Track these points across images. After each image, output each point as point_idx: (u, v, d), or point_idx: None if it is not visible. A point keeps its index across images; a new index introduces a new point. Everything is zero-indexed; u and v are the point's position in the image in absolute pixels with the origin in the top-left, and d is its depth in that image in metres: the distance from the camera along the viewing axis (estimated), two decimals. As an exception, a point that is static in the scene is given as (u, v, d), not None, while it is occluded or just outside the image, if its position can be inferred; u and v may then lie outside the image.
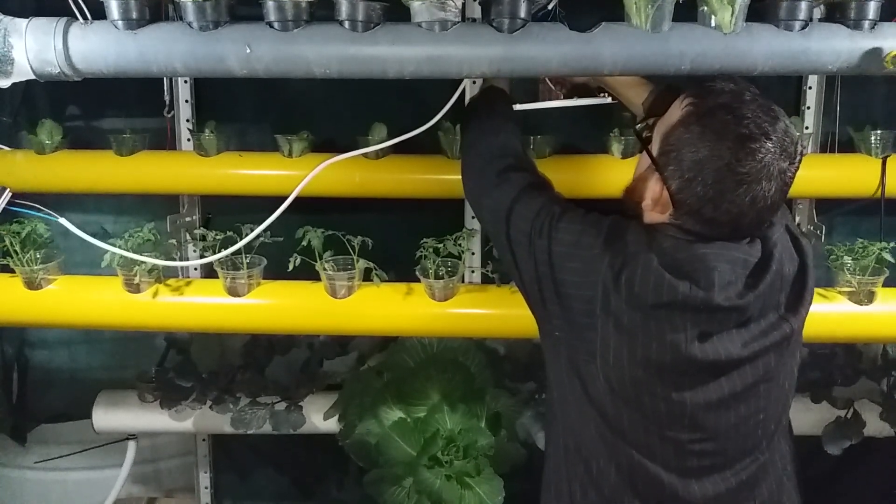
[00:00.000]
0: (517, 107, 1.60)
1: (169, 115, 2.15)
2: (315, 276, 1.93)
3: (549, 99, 1.61)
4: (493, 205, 1.33)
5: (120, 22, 1.37)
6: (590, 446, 1.21)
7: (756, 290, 1.13)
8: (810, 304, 1.23)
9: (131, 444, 2.36)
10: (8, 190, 1.57)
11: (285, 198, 1.67)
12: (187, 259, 2.26)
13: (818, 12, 1.44)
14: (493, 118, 1.46)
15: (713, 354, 1.13)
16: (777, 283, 1.17)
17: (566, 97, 1.60)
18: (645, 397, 1.15)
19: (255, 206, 2.05)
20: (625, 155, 1.97)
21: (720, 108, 1.11)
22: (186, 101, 2.16)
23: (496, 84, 1.59)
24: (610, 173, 1.95)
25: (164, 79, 2.09)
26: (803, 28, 1.40)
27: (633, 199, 1.24)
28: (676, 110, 1.16)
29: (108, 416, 2.23)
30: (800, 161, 1.14)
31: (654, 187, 1.17)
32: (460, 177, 1.47)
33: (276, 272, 2.03)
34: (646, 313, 1.13)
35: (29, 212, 1.69)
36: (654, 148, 1.19)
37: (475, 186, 1.41)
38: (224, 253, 1.82)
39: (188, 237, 2.21)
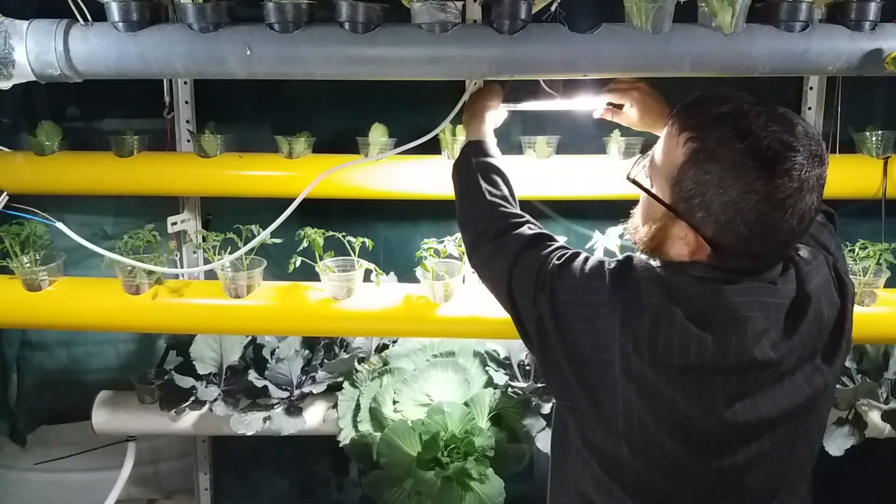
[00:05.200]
0: (511, 106, 1.60)
1: (169, 117, 2.15)
2: (315, 277, 1.93)
3: (547, 98, 1.59)
4: (493, 275, 1.27)
5: (120, 24, 1.37)
6: None
7: (791, 341, 1.04)
8: (847, 353, 1.15)
9: (131, 446, 2.35)
10: (5, 193, 1.56)
11: (285, 199, 1.66)
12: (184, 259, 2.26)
13: (819, 13, 1.44)
14: (472, 183, 1.39)
15: (744, 417, 1.04)
16: (815, 330, 1.07)
17: (563, 96, 1.59)
18: (670, 462, 1.07)
19: (255, 207, 2.05)
20: (625, 155, 1.97)
21: (728, 137, 0.99)
22: (186, 103, 2.16)
23: (473, 132, 1.52)
24: (610, 173, 1.94)
25: (164, 80, 2.09)
26: (804, 29, 1.40)
27: (654, 249, 1.13)
28: (675, 148, 1.04)
29: (108, 418, 2.23)
30: (828, 157, 1.04)
31: (681, 234, 1.06)
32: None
33: (275, 273, 2.03)
34: (672, 377, 1.03)
35: (26, 215, 1.69)
36: (664, 193, 1.07)
37: (474, 259, 1.35)
38: (226, 258, 1.82)
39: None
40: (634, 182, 1.14)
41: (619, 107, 1.52)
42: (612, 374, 1.05)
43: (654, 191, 1.10)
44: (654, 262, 1.13)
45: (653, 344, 1.03)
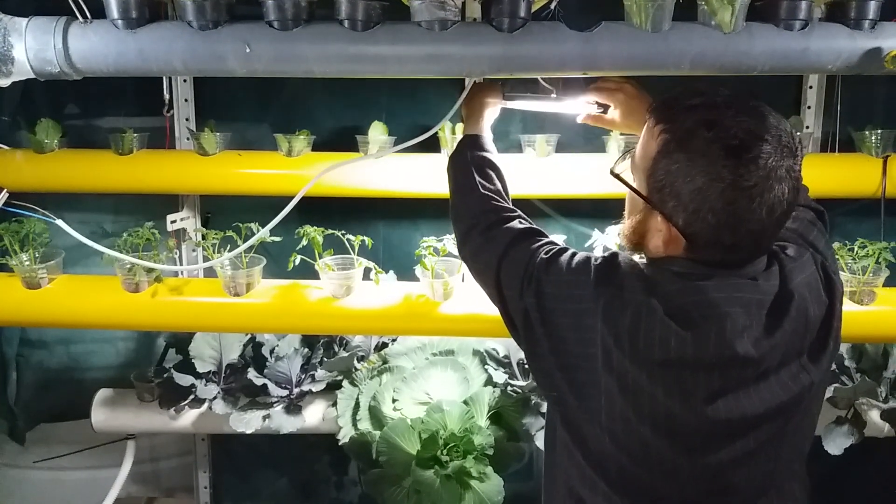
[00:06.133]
0: (509, 104, 1.60)
1: (168, 114, 2.15)
2: (314, 276, 1.93)
3: (544, 96, 1.59)
4: (482, 267, 1.29)
5: (120, 21, 1.37)
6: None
7: (774, 338, 1.04)
8: (835, 351, 1.14)
9: (130, 444, 2.36)
10: (5, 190, 1.56)
11: (285, 197, 1.66)
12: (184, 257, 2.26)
13: (818, 12, 1.44)
14: (467, 176, 1.41)
15: (726, 414, 1.03)
16: (800, 328, 1.07)
17: (560, 94, 1.58)
18: (653, 458, 1.07)
19: (254, 205, 2.05)
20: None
21: (697, 127, 1.00)
22: (186, 100, 2.16)
23: (471, 127, 1.54)
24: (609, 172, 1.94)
25: (164, 78, 2.09)
26: (803, 28, 1.40)
27: (637, 243, 1.14)
28: (651, 141, 1.06)
29: (107, 416, 2.23)
30: (802, 152, 1.04)
31: (658, 227, 1.08)
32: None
33: (274, 272, 2.03)
34: (652, 372, 1.03)
35: (26, 213, 1.69)
36: (641, 186, 1.09)
37: (464, 251, 1.36)
38: (226, 256, 1.82)
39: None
40: (616, 176, 1.16)
41: (605, 110, 1.51)
42: (595, 368, 1.06)
43: (634, 185, 1.12)
44: (639, 259, 1.14)
45: (633, 339, 1.03)
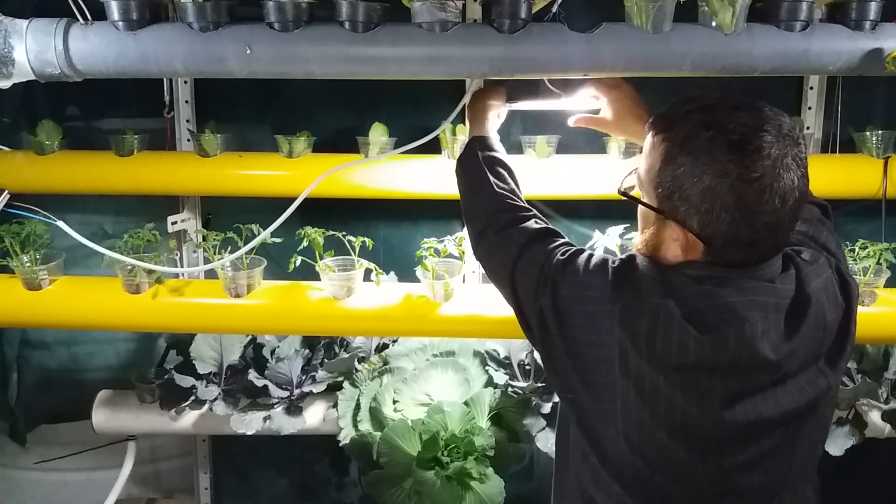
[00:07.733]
0: (513, 105, 1.60)
1: (169, 116, 2.15)
2: (315, 277, 1.93)
3: (548, 97, 1.59)
4: (497, 267, 1.28)
5: (120, 23, 1.37)
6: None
7: (792, 342, 1.04)
8: (851, 354, 1.15)
9: (131, 445, 2.36)
10: (6, 192, 1.56)
11: (285, 198, 1.67)
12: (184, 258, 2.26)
13: (819, 13, 1.44)
14: (479, 175, 1.40)
15: (743, 417, 1.03)
16: (818, 333, 1.07)
17: (564, 95, 1.58)
18: (668, 461, 1.07)
19: (255, 206, 2.05)
20: (625, 155, 1.97)
21: (696, 129, 1.02)
22: (186, 102, 2.16)
23: (477, 128, 1.53)
24: (610, 173, 1.94)
25: (165, 79, 2.09)
26: (804, 29, 1.40)
27: (650, 257, 1.13)
28: (653, 152, 1.07)
29: (108, 417, 2.23)
30: (804, 140, 1.05)
31: (674, 235, 1.07)
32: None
33: (275, 273, 2.03)
34: (669, 376, 1.03)
35: (27, 214, 1.69)
36: (650, 198, 1.10)
37: (479, 250, 1.35)
38: (227, 258, 1.82)
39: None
40: (624, 194, 1.16)
41: (598, 111, 1.51)
42: (611, 370, 1.05)
43: (642, 199, 1.12)
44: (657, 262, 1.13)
45: (651, 342, 1.02)
